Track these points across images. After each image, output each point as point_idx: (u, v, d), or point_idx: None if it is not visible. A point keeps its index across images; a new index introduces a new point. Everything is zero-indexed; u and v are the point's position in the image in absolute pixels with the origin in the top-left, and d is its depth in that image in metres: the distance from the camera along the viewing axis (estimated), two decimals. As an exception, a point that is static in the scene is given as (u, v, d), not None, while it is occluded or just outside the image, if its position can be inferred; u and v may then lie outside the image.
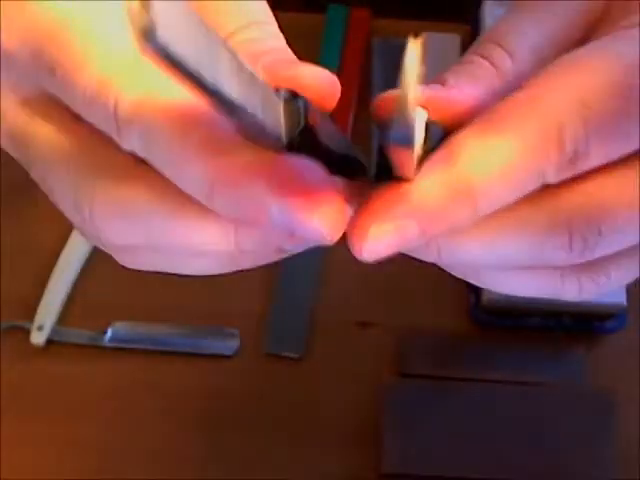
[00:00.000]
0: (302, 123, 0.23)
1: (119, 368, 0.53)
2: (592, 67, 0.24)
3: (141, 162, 0.24)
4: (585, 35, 0.27)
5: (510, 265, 0.25)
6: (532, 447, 0.49)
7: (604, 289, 0.26)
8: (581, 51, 0.25)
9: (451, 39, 0.64)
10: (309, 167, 0.22)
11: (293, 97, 0.23)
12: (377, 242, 0.23)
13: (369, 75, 0.63)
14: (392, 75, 0.66)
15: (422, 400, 0.51)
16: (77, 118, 0.25)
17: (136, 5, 0.16)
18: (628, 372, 0.53)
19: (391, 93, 0.25)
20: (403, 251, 0.24)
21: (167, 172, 0.23)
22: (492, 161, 0.23)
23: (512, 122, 0.23)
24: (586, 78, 0.23)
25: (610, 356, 0.53)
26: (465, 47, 0.64)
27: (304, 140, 0.24)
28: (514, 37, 0.27)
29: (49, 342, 0.53)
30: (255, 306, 0.54)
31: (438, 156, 0.23)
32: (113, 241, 0.25)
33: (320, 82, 0.24)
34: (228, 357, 0.53)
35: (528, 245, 0.24)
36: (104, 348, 0.53)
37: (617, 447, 0.50)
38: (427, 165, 0.23)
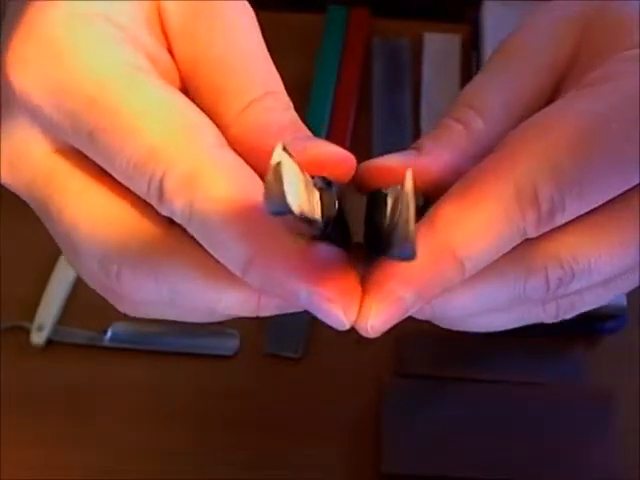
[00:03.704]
0: (336, 208, 0.25)
1: (119, 368, 0.53)
2: (558, 127, 0.25)
3: (174, 224, 0.25)
4: (554, 87, 0.29)
5: (495, 308, 0.27)
6: (532, 447, 0.49)
7: (579, 312, 0.29)
8: (547, 111, 0.26)
9: (451, 39, 0.64)
10: (337, 259, 0.24)
11: (328, 185, 0.25)
12: (380, 318, 0.24)
13: (369, 75, 0.63)
14: (392, 75, 0.66)
15: (422, 400, 0.51)
16: (108, 173, 0.26)
17: (271, 178, 0.19)
18: (628, 372, 0.52)
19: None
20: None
21: (205, 243, 0.24)
22: (472, 227, 0.24)
23: (487, 188, 0.24)
24: (554, 138, 0.25)
25: (610, 356, 0.53)
26: (465, 47, 0.64)
27: (337, 223, 0.25)
28: (485, 97, 0.28)
29: (49, 342, 0.53)
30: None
31: (421, 227, 0.25)
32: (134, 298, 0.26)
33: (338, 160, 0.26)
34: (228, 357, 0.53)
35: (511, 291, 0.26)
36: (104, 348, 0.53)
37: (617, 447, 0.50)
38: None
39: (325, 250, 0.24)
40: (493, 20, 0.58)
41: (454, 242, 0.24)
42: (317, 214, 0.23)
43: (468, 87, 0.29)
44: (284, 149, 0.20)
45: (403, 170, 0.26)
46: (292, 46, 0.62)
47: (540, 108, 0.27)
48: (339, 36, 0.63)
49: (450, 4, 0.64)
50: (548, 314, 0.28)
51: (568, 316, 0.28)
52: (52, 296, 0.54)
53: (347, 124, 0.60)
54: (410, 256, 0.20)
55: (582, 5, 0.29)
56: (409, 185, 0.21)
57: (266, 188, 0.20)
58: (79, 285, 0.55)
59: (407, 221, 0.20)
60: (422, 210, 0.25)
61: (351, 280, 0.24)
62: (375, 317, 0.24)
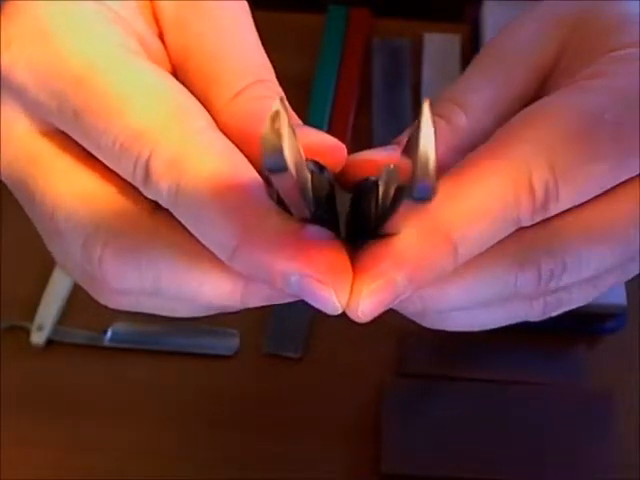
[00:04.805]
0: (327, 193, 0.24)
1: (119, 368, 0.53)
2: (554, 118, 0.25)
3: (160, 207, 0.25)
4: (539, 87, 0.29)
5: (485, 302, 0.26)
6: (532, 447, 0.49)
7: (565, 309, 0.28)
8: (542, 103, 0.26)
9: (451, 39, 0.64)
10: (329, 241, 0.24)
11: (320, 170, 0.24)
12: (371, 300, 0.23)
13: (369, 75, 0.63)
14: (392, 75, 0.66)
15: (422, 400, 0.51)
16: (93, 156, 0.25)
17: (268, 130, 0.18)
18: (628, 372, 0.52)
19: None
20: (393, 305, 0.24)
21: (191, 226, 0.24)
22: (467, 210, 0.24)
23: (483, 173, 0.24)
24: (549, 128, 0.25)
25: (610, 356, 0.53)
26: (465, 47, 0.64)
27: (327, 206, 0.25)
28: (469, 94, 0.28)
29: (49, 342, 0.53)
30: (255, 306, 0.54)
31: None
32: (115, 285, 0.26)
33: (329, 148, 0.26)
34: (228, 357, 0.53)
35: (503, 283, 0.25)
36: (104, 348, 0.53)
37: (617, 447, 0.50)
38: (406, 218, 0.23)
39: (315, 231, 0.23)
40: (493, 20, 0.58)
41: (448, 223, 0.24)
42: (309, 194, 0.23)
43: (453, 84, 0.29)
44: (281, 100, 0.19)
45: (387, 162, 0.26)
46: (292, 46, 0.62)
47: (525, 106, 0.27)
48: (339, 36, 0.63)
49: (450, 4, 0.64)
50: (535, 311, 0.27)
51: (554, 314, 0.28)
52: (52, 296, 0.54)
53: (347, 124, 0.60)
54: (429, 195, 0.19)
55: (570, 5, 0.30)
56: (427, 114, 0.19)
57: (263, 139, 0.18)
58: (79, 285, 0.55)
59: (427, 154, 0.19)
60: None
61: (343, 262, 0.23)
62: (366, 299, 0.23)
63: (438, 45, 0.64)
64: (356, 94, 0.62)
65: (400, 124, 0.60)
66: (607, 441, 0.50)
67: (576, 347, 0.53)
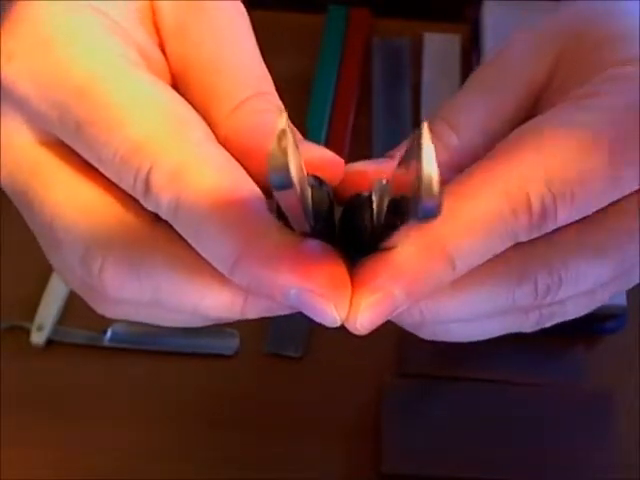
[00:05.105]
0: (327, 207, 0.25)
1: (119, 368, 0.53)
2: (549, 135, 0.25)
3: (160, 219, 0.25)
4: (532, 104, 0.29)
5: (482, 315, 0.26)
6: (532, 447, 0.49)
7: (560, 321, 0.28)
8: (538, 121, 0.26)
9: (451, 39, 0.64)
10: (328, 255, 0.24)
11: (320, 184, 0.25)
12: (369, 313, 0.24)
13: (369, 75, 0.63)
14: (392, 75, 0.66)
15: (422, 400, 0.51)
16: (94, 167, 0.25)
17: (275, 147, 0.19)
18: (628, 372, 0.53)
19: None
20: (391, 317, 0.25)
21: (191, 239, 0.24)
22: (463, 223, 0.24)
23: (480, 188, 0.24)
24: (546, 146, 0.25)
25: (610, 356, 0.53)
26: (465, 47, 0.64)
27: (327, 221, 0.25)
28: (460, 113, 0.28)
29: (49, 342, 0.53)
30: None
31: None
32: (114, 296, 0.26)
33: (327, 163, 0.26)
34: (228, 357, 0.53)
35: (501, 296, 0.26)
36: (104, 348, 0.53)
37: (617, 447, 0.50)
38: (404, 232, 0.23)
39: (315, 245, 0.24)
40: (493, 20, 0.58)
41: (444, 237, 0.24)
42: (309, 208, 0.23)
43: (448, 102, 0.29)
44: (286, 118, 0.20)
45: (379, 174, 0.25)
46: (292, 46, 0.62)
47: (520, 123, 0.27)
48: (339, 36, 0.63)
49: (450, 4, 0.64)
50: (530, 322, 0.28)
51: (547, 325, 0.28)
52: (52, 296, 0.54)
53: (347, 124, 0.60)
54: (434, 214, 0.19)
55: (568, 19, 0.30)
56: (427, 134, 0.19)
57: (270, 158, 0.19)
58: (79, 285, 0.55)
59: (430, 175, 0.19)
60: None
61: (342, 275, 0.24)
62: (364, 312, 0.23)
63: (438, 45, 0.64)
64: (356, 94, 0.62)
65: (400, 124, 0.60)
66: (607, 441, 0.50)
67: (576, 347, 0.53)
